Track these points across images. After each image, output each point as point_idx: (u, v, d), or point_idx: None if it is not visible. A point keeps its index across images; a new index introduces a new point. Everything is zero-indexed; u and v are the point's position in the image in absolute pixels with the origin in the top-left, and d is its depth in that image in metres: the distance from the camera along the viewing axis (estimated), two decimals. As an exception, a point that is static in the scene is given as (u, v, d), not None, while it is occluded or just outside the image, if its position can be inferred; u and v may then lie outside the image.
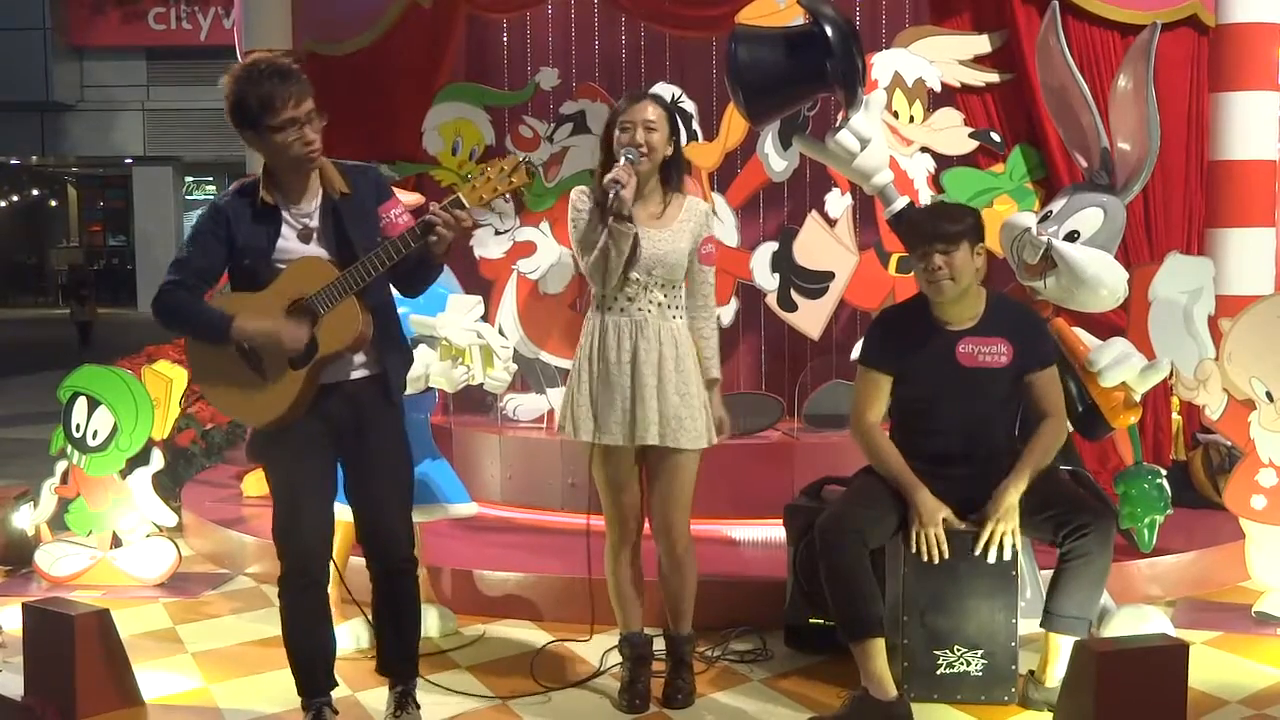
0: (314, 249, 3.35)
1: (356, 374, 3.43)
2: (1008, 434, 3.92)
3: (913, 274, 5.42)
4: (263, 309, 3.31)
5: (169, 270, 3.39)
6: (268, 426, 3.42)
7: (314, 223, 3.37)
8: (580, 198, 3.73)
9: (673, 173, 3.75)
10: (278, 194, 3.36)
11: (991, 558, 3.69)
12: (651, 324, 3.70)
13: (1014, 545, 3.70)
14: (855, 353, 5.66)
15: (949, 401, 3.80)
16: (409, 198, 4.82)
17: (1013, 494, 3.71)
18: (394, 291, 3.54)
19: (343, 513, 3.57)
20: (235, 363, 3.35)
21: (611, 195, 3.52)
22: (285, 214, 3.36)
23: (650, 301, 3.71)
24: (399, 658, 3.64)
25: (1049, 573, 3.77)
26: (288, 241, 3.35)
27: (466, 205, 3.26)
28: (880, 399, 3.88)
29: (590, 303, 3.81)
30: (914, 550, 3.71)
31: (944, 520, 3.71)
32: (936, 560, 3.70)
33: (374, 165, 3.63)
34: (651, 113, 3.65)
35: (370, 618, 3.71)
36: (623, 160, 3.60)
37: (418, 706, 3.63)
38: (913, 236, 3.83)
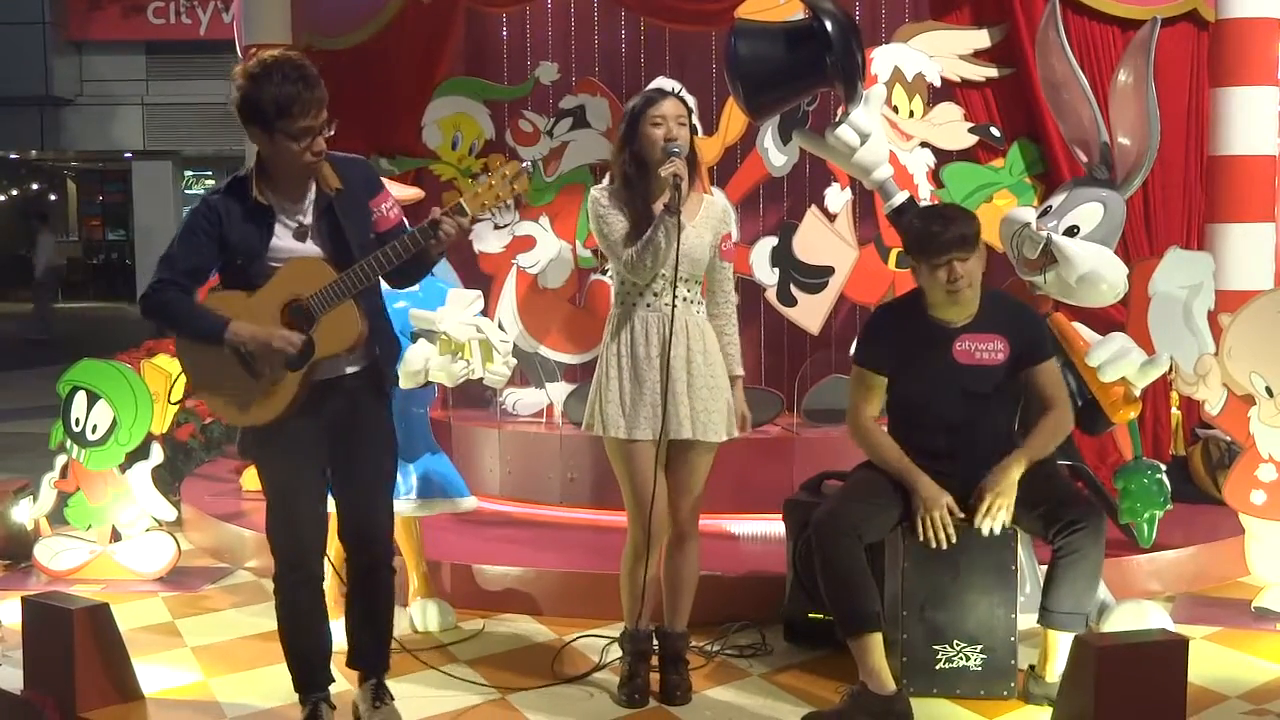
0: (309, 247, 3.31)
1: (351, 368, 3.42)
2: (1007, 431, 3.91)
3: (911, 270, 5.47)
4: (257, 310, 3.27)
5: (158, 268, 3.30)
6: (260, 425, 3.37)
7: (308, 220, 3.32)
8: (602, 196, 3.76)
9: (690, 170, 3.76)
10: (270, 192, 3.30)
11: (985, 530, 3.69)
12: (679, 318, 3.72)
13: (1005, 523, 3.70)
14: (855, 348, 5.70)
15: (946, 400, 3.80)
16: (407, 192, 4.82)
17: (1015, 470, 3.70)
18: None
19: (331, 506, 3.57)
20: (230, 363, 3.29)
21: (673, 189, 3.57)
22: (279, 212, 3.30)
23: (676, 296, 3.73)
24: (375, 650, 3.63)
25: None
26: (281, 240, 3.30)
27: (469, 213, 3.25)
28: (875, 398, 3.88)
29: (611, 301, 3.83)
30: (921, 538, 3.71)
31: (948, 504, 3.70)
32: (944, 545, 3.68)
33: (363, 157, 3.59)
34: (680, 108, 3.71)
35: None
36: (671, 156, 3.62)
37: (392, 697, 3.64)
38: (928, 244, 3.72)
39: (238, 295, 3.31)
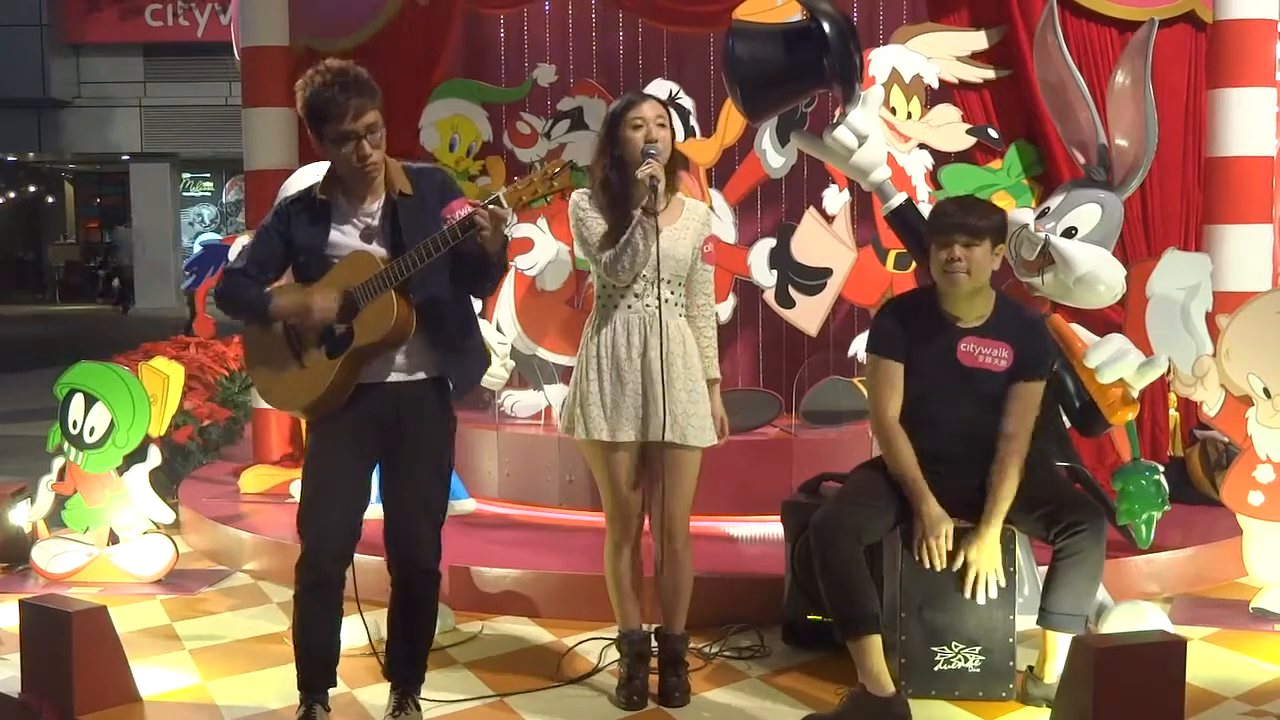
0: (373, 247, 3.41)
1: (398, 376, 3.45)
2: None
3: (911, 270, 5.48)
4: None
5: (236, 259, 3.75)
6: (301, 413, 3.54)
7: (375, 222, 3.43)
8: (583, 200, 3.78)
9: (670, 173, 3.77)
10: (339, 193, 3.45)
11: (981, 599, 3.73)
12: (660, 320, 3.71)
13: (999, 584, 3.74)
14: (853, 349, 5.70)
15: (944, 399, 3.79)
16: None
17: (991, 535, 3.72)
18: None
19: (374, 513, 3.57)
20: (280, 348, 3.46)
21: (649, 191, 3.58)
22: (346, 212, 3.44)
23: (657, 297, 3.72)
24: (406, 663, 3.65)
25: (1046, 569, 3.77)
26: (345, 238, 3.43)
27: (506, 205, 3.28)
28: (896, 390, 3.82)
29: (594, 302, 3.84)
30: (916, 557, 3.73)
31: (946, 532, 3.71)
32: (938, 568, 3.71)
33: (440, 168, 3.65)
34: (661, 111, 3.73)
35: (363, 617, 3.71)
36: (648, 158, 3.64)
37: (418, 709, 3.63)
38: (937, 223, 3.79)
39: (295, 287, 3.48)
